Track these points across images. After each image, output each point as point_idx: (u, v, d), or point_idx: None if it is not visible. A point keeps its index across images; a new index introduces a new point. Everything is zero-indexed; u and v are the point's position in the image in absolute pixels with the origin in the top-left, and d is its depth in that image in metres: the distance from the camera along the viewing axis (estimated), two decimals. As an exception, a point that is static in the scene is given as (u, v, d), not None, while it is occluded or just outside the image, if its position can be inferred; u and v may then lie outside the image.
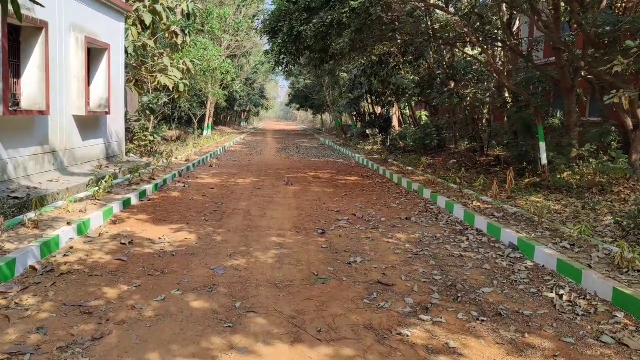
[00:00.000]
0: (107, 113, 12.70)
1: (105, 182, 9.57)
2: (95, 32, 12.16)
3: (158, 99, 20.31)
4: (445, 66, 19.19)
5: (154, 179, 11.89)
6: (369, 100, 31.03)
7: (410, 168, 15.71)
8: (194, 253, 6.43)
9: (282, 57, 15.35)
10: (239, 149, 25.57)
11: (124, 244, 6.73)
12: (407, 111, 31.35)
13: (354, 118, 35.02)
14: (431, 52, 18.91)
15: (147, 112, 20.41)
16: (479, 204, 9.54)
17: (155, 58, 17.71)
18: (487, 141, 19.62)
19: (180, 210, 9.11)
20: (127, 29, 14.84)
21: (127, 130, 18.98)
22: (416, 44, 15.86)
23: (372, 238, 7.45)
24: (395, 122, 29.42)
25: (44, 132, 10.18)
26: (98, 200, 9.00)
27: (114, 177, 11.08)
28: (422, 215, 9.21)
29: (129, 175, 11.73)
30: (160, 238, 7.11)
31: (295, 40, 13.83)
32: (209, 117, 35.42)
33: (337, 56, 15.25)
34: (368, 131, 29.88)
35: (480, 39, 17.15)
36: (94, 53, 12.48)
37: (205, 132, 34.16)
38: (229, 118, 57.75)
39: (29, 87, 9.52)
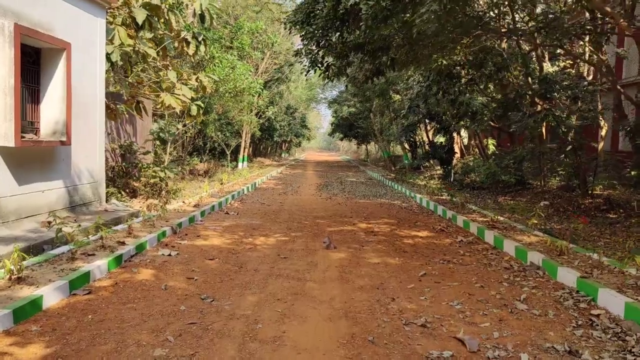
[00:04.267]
0: (65, 143, 8.65)
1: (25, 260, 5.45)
2: (45, 22, 8.23)
3: (169, 126, 16.36)
4: (534, 81, 14.67)
5: (123, 243, 7.74)
6: (427, 127, 26.61)
7: (503, 218, 11.15)
8: None
9: (318, 52, 11.02)
10: (272, 186, 21.40)
11: None
12: (471, 140, 26.78)
13: (406, 148, 30.57)
14: (518, 62, 14.42)
15: (157, 142, 16.51)
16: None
17: (161, 73, 13.80)
18: (593, 177, 14.90)
19: (119, 333, 4.86)
20: (112, 29, 10.93)
21: (134, 165, 15.11)
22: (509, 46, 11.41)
23: None
24: (456, 153, 24.84)
25: None
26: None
27: (64, 240, 6.99)
28: (588, 336, 4.72)
29: (85, 239, 7.64)
30: None
31: (341, 24, 9.48)
32: (244, 148, 31.65)
33: (399, 60, 10.97)
34: (426, 163, 25.45)
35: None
36: (45, 55, 8.54)
37: (240, 165, 30.36)
38: (269, 149, 54.19)
39: None
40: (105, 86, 14.99)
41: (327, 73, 11.23)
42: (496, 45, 14.56)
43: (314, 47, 10.73)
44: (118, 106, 12.60)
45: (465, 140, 28.64)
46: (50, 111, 8.49)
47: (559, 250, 7.60)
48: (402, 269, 7.24)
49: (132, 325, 4.86)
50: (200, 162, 25.82)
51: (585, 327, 4.95)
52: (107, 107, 12.77)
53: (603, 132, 17.59)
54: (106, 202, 10.89)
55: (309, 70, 11.42)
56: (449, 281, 6.58)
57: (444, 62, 12.69)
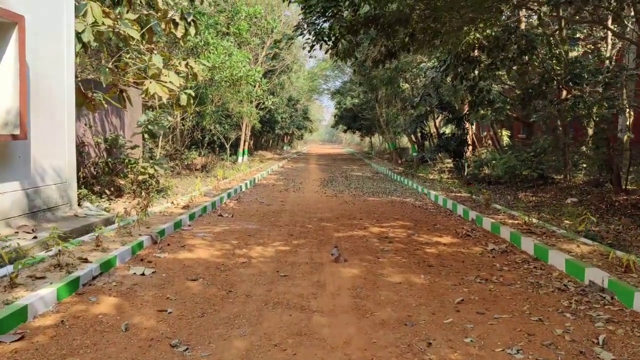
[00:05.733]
0: (19, 137, 7.17)
1: None
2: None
3: (160, 118, 14.85)
4: (562, 65, 13.15)
5: (86, 260, 6.28)
6: (435, 118, 25.07)
7: (537, 220, 9.65)
8: None
9: (325, 22, 9.39)
10: (272, 182, 19.91)
11: None
12: (482, 131, 25.28)
13: (413, 140, 29.04)
14: (543, 44, 12.89)
15: (146, 135, 15.01)
16: None
17: (146, 58, 12.33)
18: (627, 171, 13.41)
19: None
20: (84, 4, 9.42)
21: (120, 161, 13.65)
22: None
23: None
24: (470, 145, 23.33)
25: None
26: None
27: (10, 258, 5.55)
28: None
29: (40, 255, 6.20)
30: None
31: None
32: (244, 142, 30.18)
33: (418, 38, 9.44)
34: (439, 155, 23.97)
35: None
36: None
37: (240, 159, 28.91)
38: (270, 142, 52.71)
39: None
40: (80, 72, 13.49)
41: (335, 49, 9.63)
42: (521, 25, 13.06)
43: (315, 19, 9.11)
44: (95, 95, 11.13)
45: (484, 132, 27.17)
46: (-2, 99, 7.03)
47: (623, 266, 6.12)
48: (431, 291, 5.78)
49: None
50: (199, 156, 24.39)
51: None
52: (85, 96, 11.32)
53: (629, 122, 16.11)
54: (78, 205, 9.43)
55: (312, 46, 9.81)
56: (495, 311, 5.11)
57: (477, 35, 11.09)
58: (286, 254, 7.63)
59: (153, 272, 6.33)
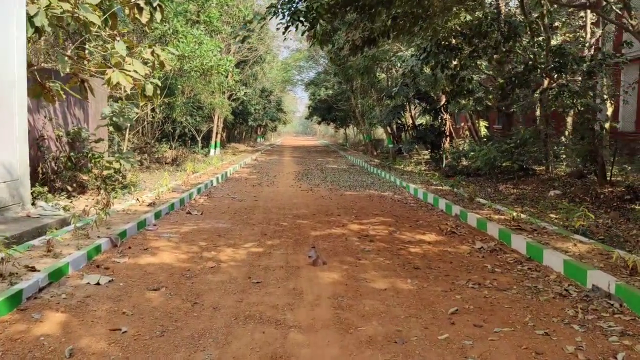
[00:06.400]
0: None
1: None
2: None
3: (125, 110, 14.02)
4: (545, 52, 12.68)
5: (33, 268, 5.56)
6: (414, 108, 24.60)
7: (526, 217, 9.15)
8: None
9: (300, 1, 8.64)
10: (245, 175, 19.19)
11: None
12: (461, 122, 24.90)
13: (389, 132, 28.53)
14: (527, 31, 12.42)
15: (111, 128, 14.17)
16: None
17: (108, 45, 11.53)
18: (612, 162, 13.05)
19: None
20: (36, -14, 8.60)
21: (84, 155, 12.84)
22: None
23: None
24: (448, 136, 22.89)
25: None
26: None
27: None
28: None
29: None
30: None
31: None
32: (217, 134, 29.36)
33: (400, 22, 8.81)
34: (415, 147, 23.51)
35: None
36: None
37: (212, 152, 28.11)
38: (243, 134, 51.81)
39: None
40: (42, 61, 12.67)
41: (313, 31, 8.86)
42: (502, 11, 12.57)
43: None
44: (52, 85, 10.30)
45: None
46: None
47: (629, 268, 5.62)
48: (420, 299, 5.21)
49: None
50: (170, 149, 23.54)
51: None
52: (43, 86, 10.48)
53: (609, 112, 15.81)
54: (32, 205, 8.65)
55: (287, 27, 9.05)
56: (494, 323, 4.56)
57: (459, 20, 10.52)
58: (259, 256, 6.99)
59: (109, 281, 5.64)
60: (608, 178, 12.72)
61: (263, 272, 6.21)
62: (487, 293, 5.40)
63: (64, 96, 10.78)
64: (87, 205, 9.19)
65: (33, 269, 5.54)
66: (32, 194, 8.85)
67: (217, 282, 5.75)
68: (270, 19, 9.64)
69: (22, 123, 8.25)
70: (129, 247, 7.25)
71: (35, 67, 10.78)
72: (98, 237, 7.27)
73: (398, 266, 6.51)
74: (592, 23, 16.05)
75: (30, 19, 8.58)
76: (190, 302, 5.08)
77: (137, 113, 16.72)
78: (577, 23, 18.45)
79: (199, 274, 6.06)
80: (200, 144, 27.64)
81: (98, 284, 5.53)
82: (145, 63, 12.01)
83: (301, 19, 8.44)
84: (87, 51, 12.76)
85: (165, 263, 6.51)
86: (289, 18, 8.55)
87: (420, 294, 5.37)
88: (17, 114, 8.05)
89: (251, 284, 5.73)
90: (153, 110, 20.30)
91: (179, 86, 20.50)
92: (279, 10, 8.61)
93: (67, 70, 10.52)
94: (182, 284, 5.66)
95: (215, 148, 28.94)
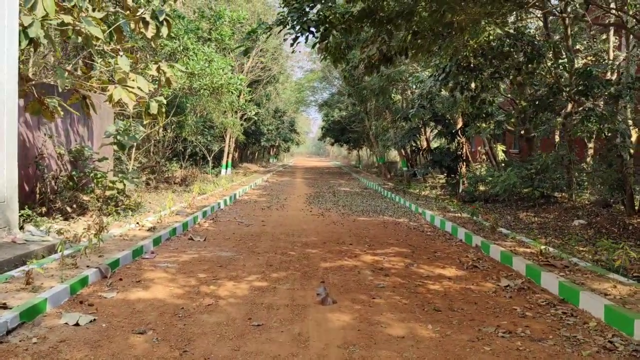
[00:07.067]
0: None
1: None
2: None
3: (131, 128, 13.51)
4: (569, 75, 12.03)
5: (4, 305, 4.94)
6: (430, 131, 23.97)
7: (555, 250, 8.41)
8: None
9: (309, 7, 7.92)
10: (255, 197, 18.58)
11: None
12: (478, 146, 24.15)
13: (403, 154, 27.88)
14: (552, 52, 11.78)
15: (116, 147, 13.67)
16: None
17: (112, 60, 11.07)
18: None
19: None
20: (33, -4, 8.10)
21: (86, 175, 12.34)
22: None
23: None
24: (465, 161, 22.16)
25: None
26: None
27: None
28: None
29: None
30: None
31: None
32: (228, 154, 28.91)
33: (422, 36, 8.19)
34: (431, 171, 22.79)
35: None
36: None
37: (223, 171, 27.61)
38: (256, 154, 51.46)
39: None
40: (45, 76, 12.24)
41: (326, 43, 8.20)
42: (526, 31, 11.95)
43: (299, 2, 7.65)
44: (49, 101, 9.79)
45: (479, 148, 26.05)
46: None
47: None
48: (444, 352, 4.51)
49: None
50: (180, 168, 23.05)
51: None
52: (42, 102, 9.99)
53: (633, 138, 15.07)
54: (20, 229, 8.06)
55: (296, 38, 8.43)
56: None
57: (497, 30, 9.89)
58: (262, 292, 6.32)
59: (91, 321, 5.00)
60: (636, 208, 11.97)
61: (265, 311, 5.55)
62: (520, 344, 4.70)
63: (62, 112, 10.26)
64: (84, 228, 8.61)
65: (4, 307, 4.92)
66: (20, 217, 8.27)
67: (212, 324, 5.09)
68: (278, 31, 9.00)
69: (11, 142, 7.70)
70: (120, 279, 6.61)
71: (34, 82, 10.29)
72: (87, 266, 6.65)
73: (417, 307, 5.81)
74: (614, 46, 15.45)
75: (24, 30, 8.09)
76: (179, 350, 4.42)
77: (143, 132, 16.27)
78: (598, 46, 17.86)
79: (194, 313, 5.40)
80: (211, 164, 27.17)
81: (77, 324, 4.90)
82: (154, 82, 11.57)
83: (312, 29, 7.81)
84: (94, 66, 12.30)
85: (158, 299, 5.86)
86: (298, 27, 7.89)
87: (444, 345, 4.67)
88: (5, 132, 7.50)
89: (251, 327, 5.06)
90: (165, 129, 19.83)
91: (188, 104, 20.03)
92: (287, 19, 7.97)
93: (67, 85, 10.04)
94: (172, 326, 5.01)
95: (226, 168, 28.46)
